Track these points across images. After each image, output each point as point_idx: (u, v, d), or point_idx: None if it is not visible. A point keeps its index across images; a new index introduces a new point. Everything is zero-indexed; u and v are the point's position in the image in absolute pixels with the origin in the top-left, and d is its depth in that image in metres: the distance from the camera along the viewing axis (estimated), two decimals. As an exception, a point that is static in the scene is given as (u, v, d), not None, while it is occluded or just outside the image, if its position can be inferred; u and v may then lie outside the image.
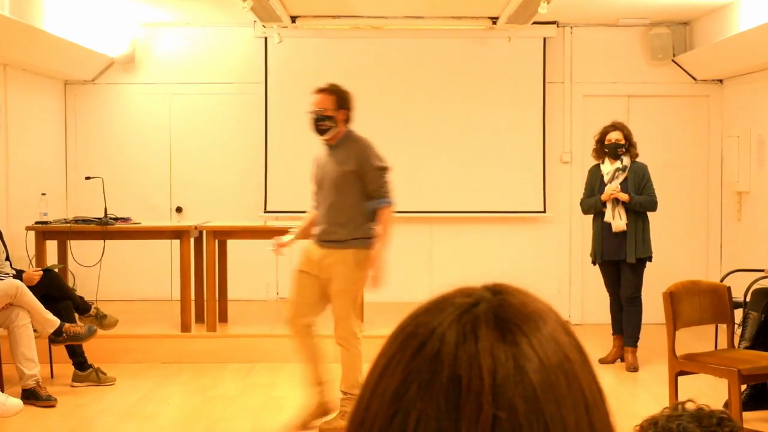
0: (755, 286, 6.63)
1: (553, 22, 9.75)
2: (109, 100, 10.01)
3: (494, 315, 0.75)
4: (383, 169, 5.81)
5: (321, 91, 5.88)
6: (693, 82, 9.89)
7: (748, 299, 6.51)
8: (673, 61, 9.81)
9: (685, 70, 9.85)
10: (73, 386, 7.05)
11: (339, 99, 5.83)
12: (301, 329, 5.93)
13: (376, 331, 8.15)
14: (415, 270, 9.95)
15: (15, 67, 8.55)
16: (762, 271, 6.84)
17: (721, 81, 9.82)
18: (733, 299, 5.92)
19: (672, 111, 9.91)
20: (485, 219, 9.92)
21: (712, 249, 9.88)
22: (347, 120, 5.90)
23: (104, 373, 7.11)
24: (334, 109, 5.80)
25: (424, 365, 0.72)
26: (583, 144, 9.83)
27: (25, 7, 7.90)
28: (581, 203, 7.90)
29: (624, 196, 7.46)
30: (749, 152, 9.08)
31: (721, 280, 6.86)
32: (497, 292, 0.79)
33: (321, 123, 5.80)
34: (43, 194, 8.14)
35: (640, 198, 7.51)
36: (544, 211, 9.86)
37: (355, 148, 5.81)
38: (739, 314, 6.41)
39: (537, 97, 9.86)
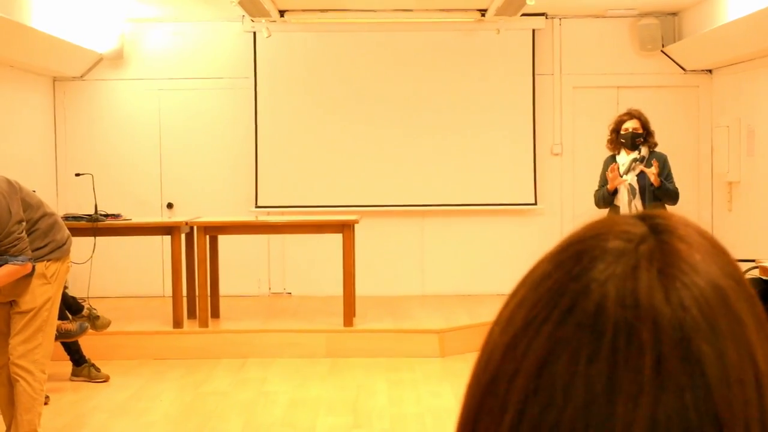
0: (746, 277, 6.63)
1: (542, 14, 9.75)
2: (98, 96, 9.98)
3: (658, 264, 0.65)
4: (19, 223, 4.90)
5: None
6: (682, 73, 9.90)
7: (739, 289, 6.51)
8: (662, 51, 9.82)
9: (674, 61, 9.86)
10: (71, 380, 7.08)
11: None
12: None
13: (368, 325, 8.16)
14: (407, 263, 9.96)
15: (3, 64, 8.52)
16: (753, 261, 6.85)
17: (710, 71, 9.83)
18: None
19: (661, 102, 9.91)
20: (476, 212, 9.92)
21: (702, 239, 9.88)
22: None
23: (98, 370, 7.11)
24: None
25: (542, 345, 0.63)
26: (573, 136, 9.85)
27: (12, 3, 7.87)
28: (594, 195, 7.12)
29: (653, 174, 6.65)
30: (739, 142, 9.10)
31: (712, 271, 6.85)
32: (658, 231, 0.67)
33: None
34: (33, 191, 8.07)
35: (670, 186, 6.78)
36: (536, 203, 9.87)
37: None
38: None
39: (526, 89, 9.86)
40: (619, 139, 6.88)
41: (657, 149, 6.99)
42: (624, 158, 6.85)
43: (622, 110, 7.61)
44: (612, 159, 7.02)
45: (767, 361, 0.65)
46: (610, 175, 6.78)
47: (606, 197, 6.86)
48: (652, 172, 6.66)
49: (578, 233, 0.70)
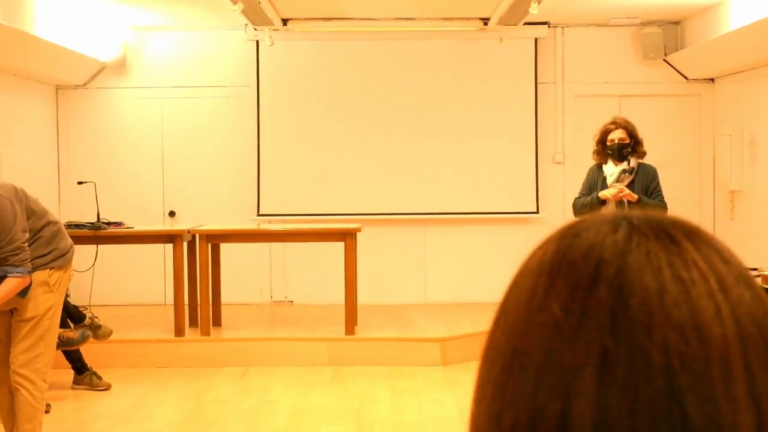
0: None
1: (544, 23, 9.75)
2: (100, 104, 9.99)
3: (662, 230, 0.67)
4: (23, 232, 4.86)
5: None
6: (685, 82, 9.90)
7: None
8: (664, 60, 9.82)
9: (676, 70, 9.86)
10: (73, 389, 7.07)
11: None
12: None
13: (370, 334, 8.15)
14: (409, 271, 9.95)
15: (6, 73, 8.53)
16: (756, 270, 6.84)
17: (712, 80, 9.84)
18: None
19: (664, 110, 9.91)
20: (479, 220, 9.92)
21: (705, 248, 9.87)
22: None
23: (100, 378, 7.10)
24: None
25: (608, 291, 0.64)
26: (575, 144, 9.85)
27: (15, 12, 7.88)
28: (574, 203, 6.75)
29: (632, 196, 6.37)
30: (741, 151, 9.10)
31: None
32: (635, 215, 0.69)
33: None
34: (36, 199, 8.10)
35: (651, 200, 6.43)
36: (537, 212, 9.86)
37: None
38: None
39: (529, 98, 9.86)
40: (606, 151, 6.53)
41: (646, 159, 6.70)
42: (612, 169, 6.53)
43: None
44: (598, 168, 6.69)
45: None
46: (614, 191, 6.43)
47: (594, 204, 6.46)
48: (627, 193, 6.39)
49: (563, 225, 0.72)
